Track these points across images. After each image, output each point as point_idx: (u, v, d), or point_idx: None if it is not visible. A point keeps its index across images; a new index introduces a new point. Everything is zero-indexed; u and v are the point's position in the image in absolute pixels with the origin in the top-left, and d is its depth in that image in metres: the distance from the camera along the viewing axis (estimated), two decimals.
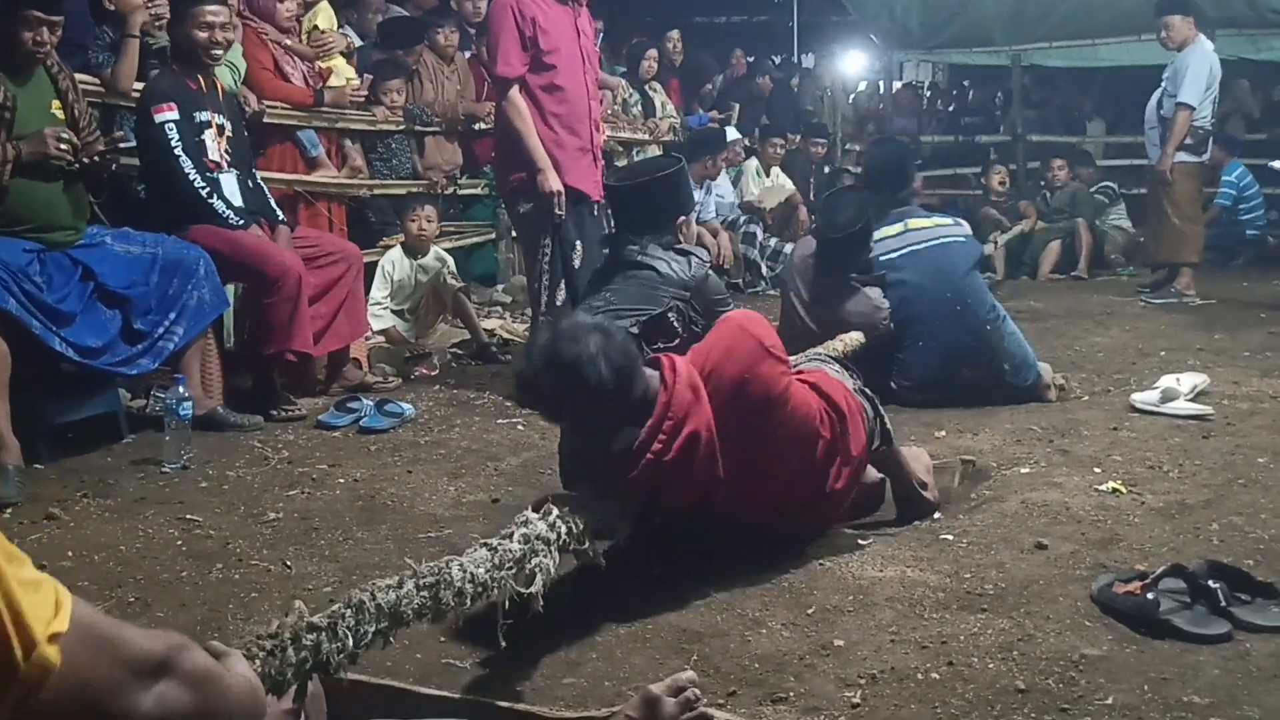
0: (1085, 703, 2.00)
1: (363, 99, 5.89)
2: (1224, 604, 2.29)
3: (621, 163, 7.68)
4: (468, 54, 6.98)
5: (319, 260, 4.52)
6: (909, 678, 2.11)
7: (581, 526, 2.26)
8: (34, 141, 3.61)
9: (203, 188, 4.19)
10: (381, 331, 5.29)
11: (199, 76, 4.33)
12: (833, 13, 13.99)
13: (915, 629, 2.32)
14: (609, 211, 4.17)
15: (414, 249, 5.54)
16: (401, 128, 6.16)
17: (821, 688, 2.08)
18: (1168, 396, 4.13)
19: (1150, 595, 2.31)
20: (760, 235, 8.04)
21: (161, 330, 3.91)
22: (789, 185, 9.01)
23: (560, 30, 4.52)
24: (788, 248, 7.16)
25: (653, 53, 8.50)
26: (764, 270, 8.02)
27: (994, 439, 3.85)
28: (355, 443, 4.00)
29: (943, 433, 3.97)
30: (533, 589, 2.04)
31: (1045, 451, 3.66)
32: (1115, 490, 3.21)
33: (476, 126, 6.63)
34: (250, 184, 4.50)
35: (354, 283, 4.67)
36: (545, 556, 2.10)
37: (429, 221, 5.55)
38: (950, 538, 2.87)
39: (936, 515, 3.05)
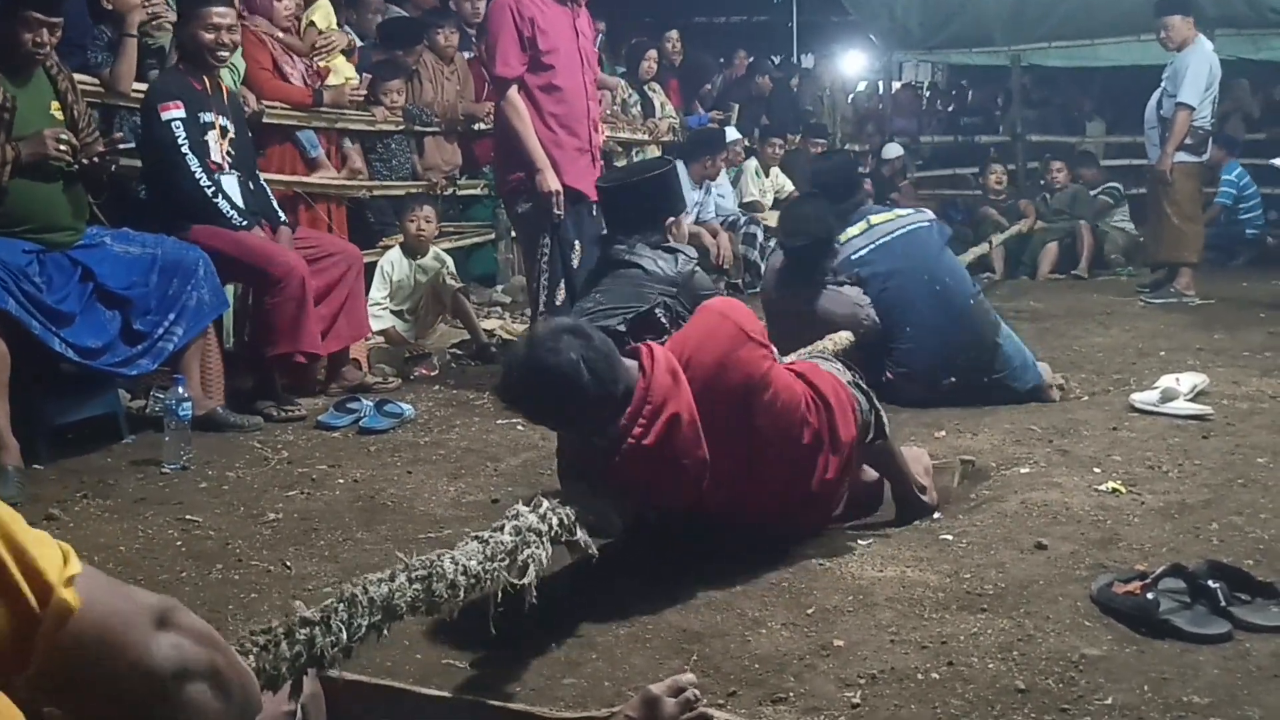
0: (1085, 703, 2.00)
1: (362, 98, 5.89)
2: (1224, 604, 2.29)
3: (621, 163, 7.69)
4: (468, 55, 6.98)
5: (320, 261, 4.53)
6: (909, 678, 2.11)
7: (573, 518, 2.26)
8: (33, 142, 3.61)
9: (208, 186, 4.20)
10: (381, 332, 5.29)
11: (204, 77, 4.34)
12: (832, 13, 13.98)
13: (915, 629, 2.32)
14: (612, 205, 4.17)
15: (413, 249, 5.54)
16: (401, 128, 6.16)
17: (821, 688, 2.08)
18: (1167, 396, 4.13)
19: (1150, 595, 2.31)
20: (760, 236, 8.05)
21: (161, 331, 3.91)
22: (789, 185, 9.02)
23: (559, 30, 4.52)
24: None
25: (652, 53, 8.50)
26: (764, 271, 8.02)
27: (994, 439, 3.85)
28: (355, 443, 4.00)
29: (942, 433, 3.97)
30: (525, 580, 2.04)
31: (1045, 451, 3.66)
32: (1115, 490, 3.21)
33: (476, 127, 6.63)
34: (251, 186, 4.51)
35: (355, 283, 4.68)
36: (537, 548, 2.10)
37: (428, 222, 5.55)
38: (950, 538, 2.87)
39: (936, 515, 3.05)
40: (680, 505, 2.62)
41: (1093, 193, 9.22)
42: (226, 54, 4.40)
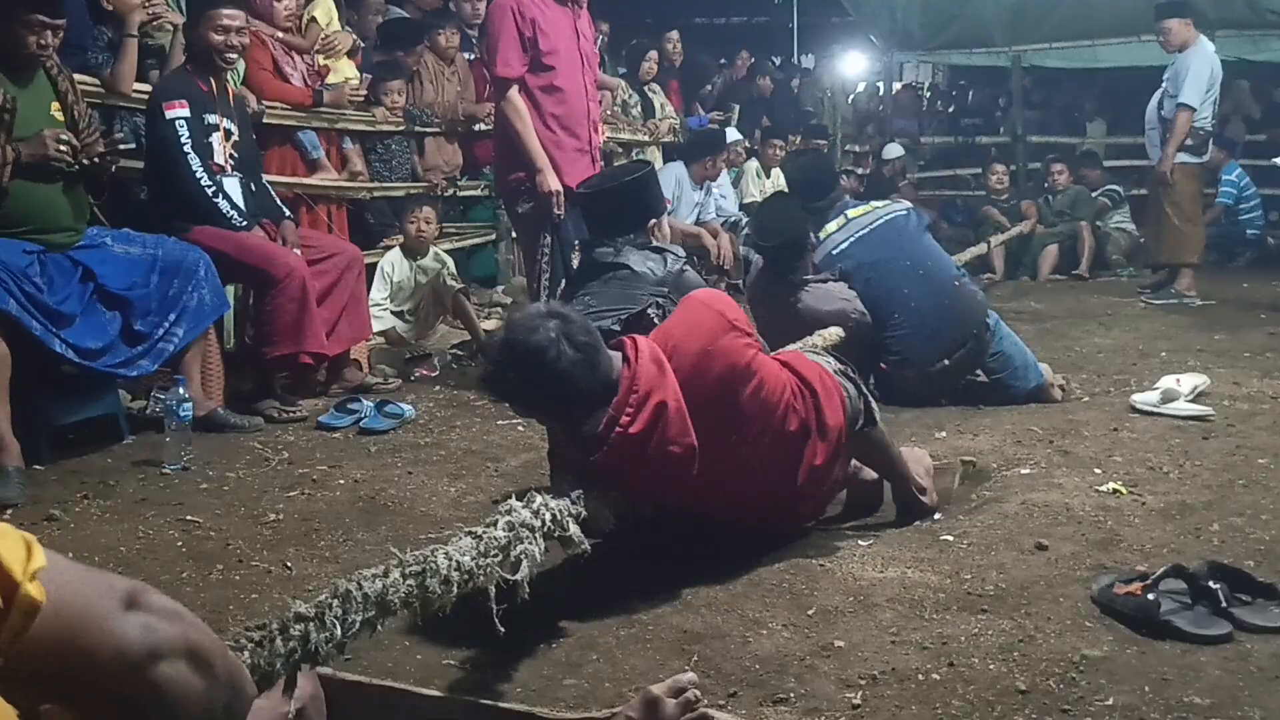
0: (1086, 704, 2.00)
1: (362, 98, 5.89)
2: (1225, 605, 2.29)
3: (621, 163, 7.68)
4: (469, 56, 6.98)
5: (321, 263, 4.53)
6: (910, 678, 2.11)
7: (565, 514, 2.26)
8: (34, 143, 3.61)
9: (209, 186, 4.20)
10: (381, 332, 5.29)
11: (210, 79, 4.34)
12: (833, 14, 13.99)
13: (916, 630, 2.32)
14: (593, 210, 4.15)
15: (413, 250, 5.54)
16: (401, 129, 6.16)
17: (822, 688, 2.08)
18: (1168, 397, 4.13)
19: (1151, 596, 2.31)
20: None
21: (162, 332, 3.91)
22: None
23: (559, 31, 4.53)
24: None
25: (653, 54, 8.50)
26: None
27: (994, 440, 3.85)
28: (355, 444, 4.00)
29: (943, 434, 3.97)
30: (519, 576, 2.04)
31: (1046, 452, 3.66)
32: (1116, 491, 3.21)
33: (476, 128, 6.63)
34: (254, 187, 4.51)
35: (356, 285, 4.68)
36: (530, 544, 2.10)
37: (428, 223, 5.55)
38: (951, 538, 2.87)
39: (937, 516, 3.05)
40: (671, 496, 2.61)
41: (1093, 194, 9.22)
42: (235, 56, 4.41)
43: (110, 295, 3.82)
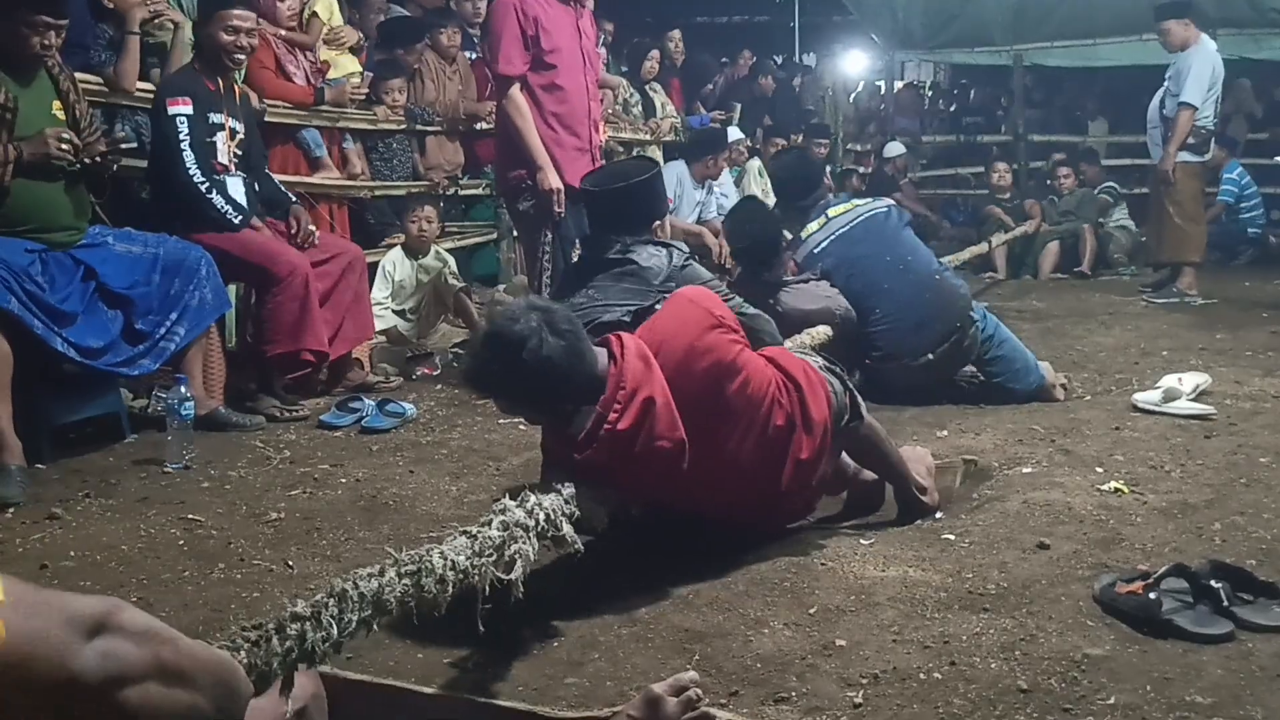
0: (1088, 703, 2.00)
1: (364, 96, 5.89)
2: (1226, 604, 2.29)
3: (624, 159, 7.67)
4: (471, 55, 6.98)
5: (323, 264, 4.52)
6: (911, 677, 2.11)
7: (559, 513, 2.27)
8: (35, 142, 3.61)
9: (201, 182, 4.19)
10: (383, 331, 5.29)
11: (218, 79, 4.35)
12: (834, 12, 14.00)
13: (917, 629, 2.32)
14: (596, 209, 4.12)
15: (415, 249, 5.55)
16: (402, 127, 6.16)
17: (824, 687, 2.08)
18: (1170, 396, 4.13)
19: (1153, 595, 2.30)
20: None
21: (163, 330, 3.91)
22: None
23: (562, 30, 4.53)
24: None
25: (655, 53, 8.50)
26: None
27: (996, 438, 3.85)
28: (357, 443, 4.01)
29: (945, 432, 3.97)
30: (513, 575, 2.04)
31: (1047, 451, 3.66)
32: (1117, 490, 3.21)
33: (478, 126, 6.63)
34: (258, 187, 4.52)
35: (359, 284, 4.68)
36: (524, 543, 2.11)
37: (429, 222, 5.55)
38: (952, 537, 2.87)
39: (938, 515, 3.04)
40: (662, 493, 2.61)
41: (1083, 188, 9.22)
42: (243, 57, 4.42)
43: (112, 294, 3.82)
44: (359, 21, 6.54)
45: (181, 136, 4.17)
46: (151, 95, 4.42)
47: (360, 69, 6.09)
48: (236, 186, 4.39)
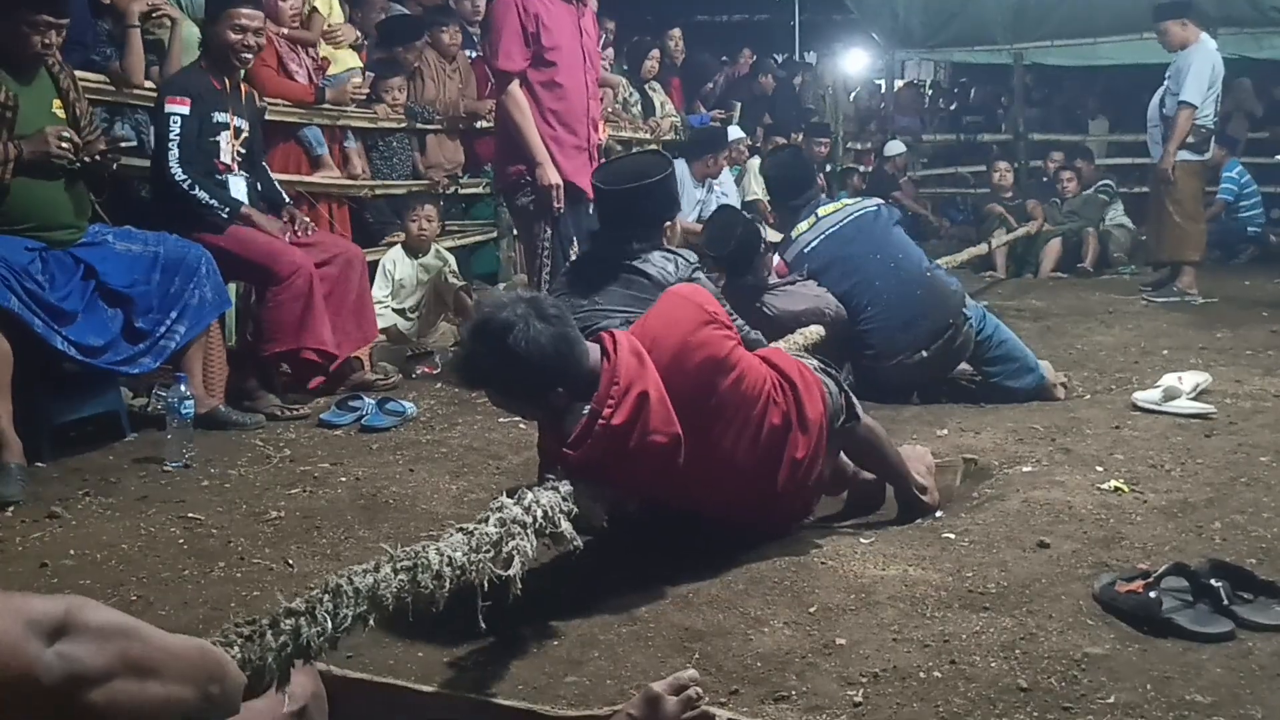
0: (1088, 701, 2.00)
1: (364, 95, 5.89)
2: (1226, 603, 2.29)
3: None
4: (471, 54, 6.98)
5: (324, 265, 4.50)
6: (911, 676, 2.11)
7: (557, 510, 2.27)
8: (35, 141, 3.61)
9: (183, 180, 4.17)
10: (383, 330, 5.29)
11: (225, 77, 4.34)
12: (834, 11, 13.99)
13: (917, 628, 2.32)
14: (596, 211, 4.04)
15: (415, 248, 5.55)
16: (403, 126, 6.16)
17: (824, 686, 2.08)
18: (1170, 395, 4.13)
19: (1153, 594, 2.31)
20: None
21: (163, 329, 3.91)
22: None
23: (562, 28, 4.53)
24: None
25: (655, 52, 8.50)
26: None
27: (996, 437, 3.85)
28: (357, 441, 4.01)
29: (945, 431, 3.97)
30: (511, 572, 2.04)
31: (1047, 450, 3.66)
32: (1117, 489, 3.21)
33: (478, 125, 6.63)
34: (259, 187, 4.52)
35: (360, 285, 4.66)
36: (521, 540, 2.11)
37: (429, 221, 5.56)
38: (952, 536, 2.87)
39: (938, 514, 3.05)
40: (657, 490, 2.61)
41: (1087, 190, 9.22)
42: (250, 56, 4.42)
43: (112, 292, 3.82)
44: (360, 20, 6.53)
45: (171, 135, 4.17)
46: (154, 94, 4.42)
47: (361, 65, 6.09)
48: (239, 186, 4.39)
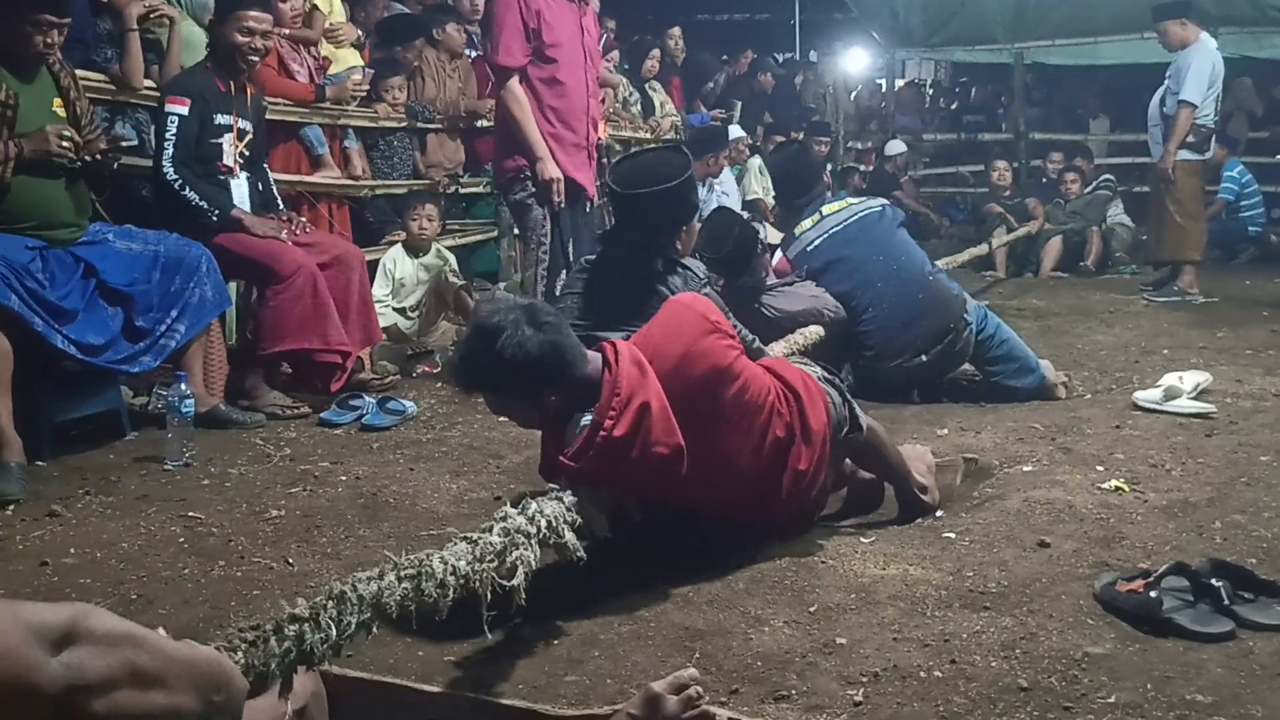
0: (1088, 701, 2.00)
1: (364, 93, 5.89)
2: (1227, 602, 2.29)
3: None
4: (471, 54, 6.98)
5: (324, 267, 4.48)
6: (911, 676, 2.11)
7: (561, 520, 2.27)
8: (36, 139, 3.61)
9: (174, 179, 4.17)
10: (383, 329, 5.29)
11: (230, 79, 4.34)
12: (835, 10, 14.00)
13: (918, 627, 2.32)
14: (611, 210, 3.95)
15: (415, 247, 5.54)
16: (403, 125, 6.16)
17: (824, 686, 2.08)
18: (1170, 394, 4.13)
19: (1153, 593, 2.30)
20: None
21: (163, 328, 3.91)
22: None
23: (564, 25, 4.53)
24: None
25: (655, 52, 8.50)
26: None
27: (996, 437, 3.84)
28: (357, 440, 4.01)
29: (945, 431, 3.97)
30: (514, 581, 2.04)
31: (1048, 449, 3.66)
32: (1118, 488, 3.21)
33: (479, 124, 6.63)
34: (260, 187, 4.51)
35: (361, 285, 4.65)
36: (525, 549, 2.11)
37: (430, 220, 5.55)
38: (953, 536, 2.87)
39: (939, 513, 3.04)
40: (659, 496, 2.60)
41: (1087, 189, 9.21)
42: (257, 59, 4.41)
43: (112, 291, 3.82)
44: (363, 19, 6.54)
45: (168, 135, 4.17)
46: (157, 93, 4.41)
47: (362, 64, 6.09)
48: (241, 188, 4.38)
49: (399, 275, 5.49)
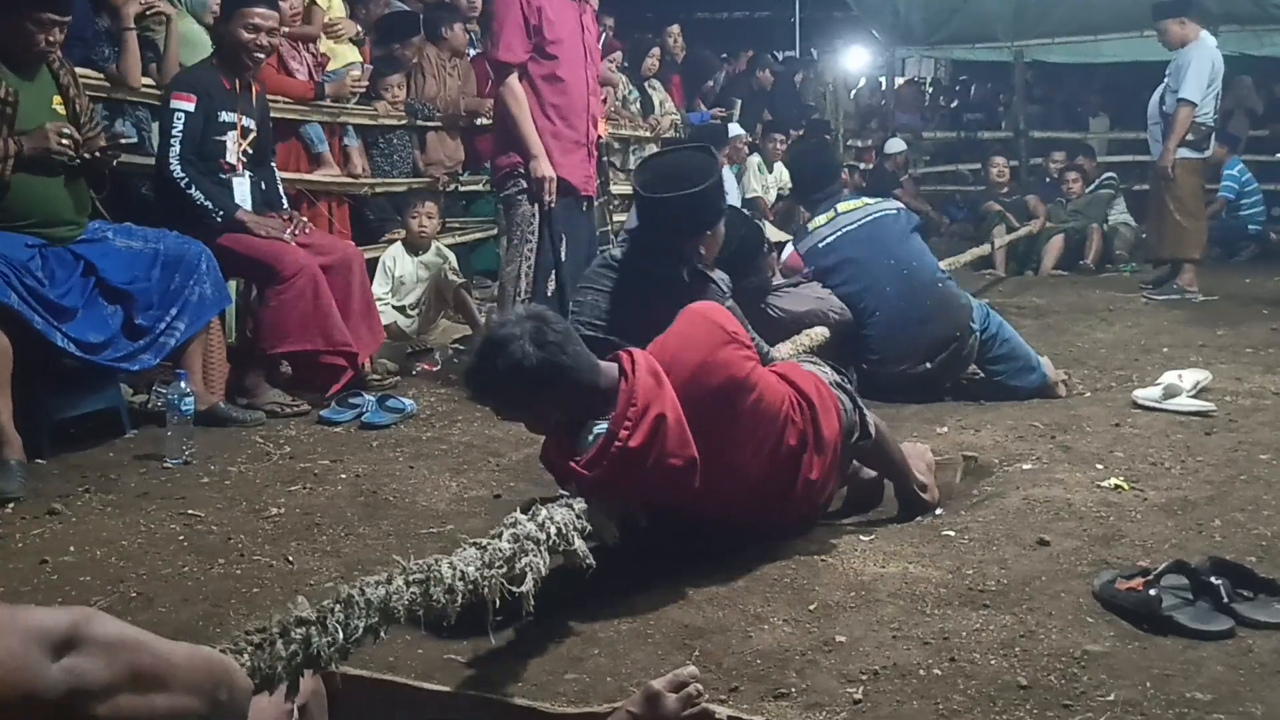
0: (1087, 699, 2.00)
1: (364, 89, 5.89)
2: (1226, 600, 2.28)
3: (619, 160, 7.66)
4: (471, 52, 6.98)
5: (330, 270, 4.47)
6: (911, 674, 2.11)
7: (570, 527, 2.26)
8: (35, 137, 3.60)
9: (181, 177, 4.17)
10: (383, 327, 5.29)
11: (235, 77, 4.34)
12: (835, 8, 13.99)
13: (917, 625, 2.32)
14: (646, 212, 3.71)
15: (415, 245, 5.54)
16: (403, 122, 6.16)
17: (823, 683, 2.08)
18: (1170, 393, 4.13)
19: (1153, 591, 2.30)
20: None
21: (163, 326, 3.90)
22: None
23: (565, 22, 4.52)
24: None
25: (656, 50, 8.49)
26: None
27: (996, 435, 3.84)
28: (357, 438, 4.01)
29: (945, 429, 3.97)
30: (523, 588, 2.04)
31: (1047, 448, 3.66)
32: (1118, 486, 3.21)
33: (478, 122, 6.63)
34: (263, 186, 4.51)
35: (362, 287, 4.62)
36: (535, 556, 2.11)
37: (430, 218, 5.55)
38: (952, 534, 2.87)
39: (938, 511, 3.04)
40: (669, 504, 2.60)
41: (1089, 188, 9.21)
42: (263, 56, 4.41)
43: (112, 289, 3.82)
44: (364, 17, 6.53)
45: (174, 132, 4.17)
46: (155, 91, 4.41)
47: (360, 60, 6.09)
48: (243, 186, 4.38)
49: (399, 273, 5.49)
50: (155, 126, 4.66)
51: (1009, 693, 2.02)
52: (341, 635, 1.64)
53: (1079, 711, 1.96)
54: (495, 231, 6.92)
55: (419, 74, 6.38)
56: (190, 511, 3.16)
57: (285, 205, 4.67)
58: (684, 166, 3.42)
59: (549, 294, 4.42)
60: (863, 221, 4.55)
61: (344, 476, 3.53)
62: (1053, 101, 12.71)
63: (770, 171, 8.98)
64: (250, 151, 4.41)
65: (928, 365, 4.40)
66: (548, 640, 2.28)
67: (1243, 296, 7.15)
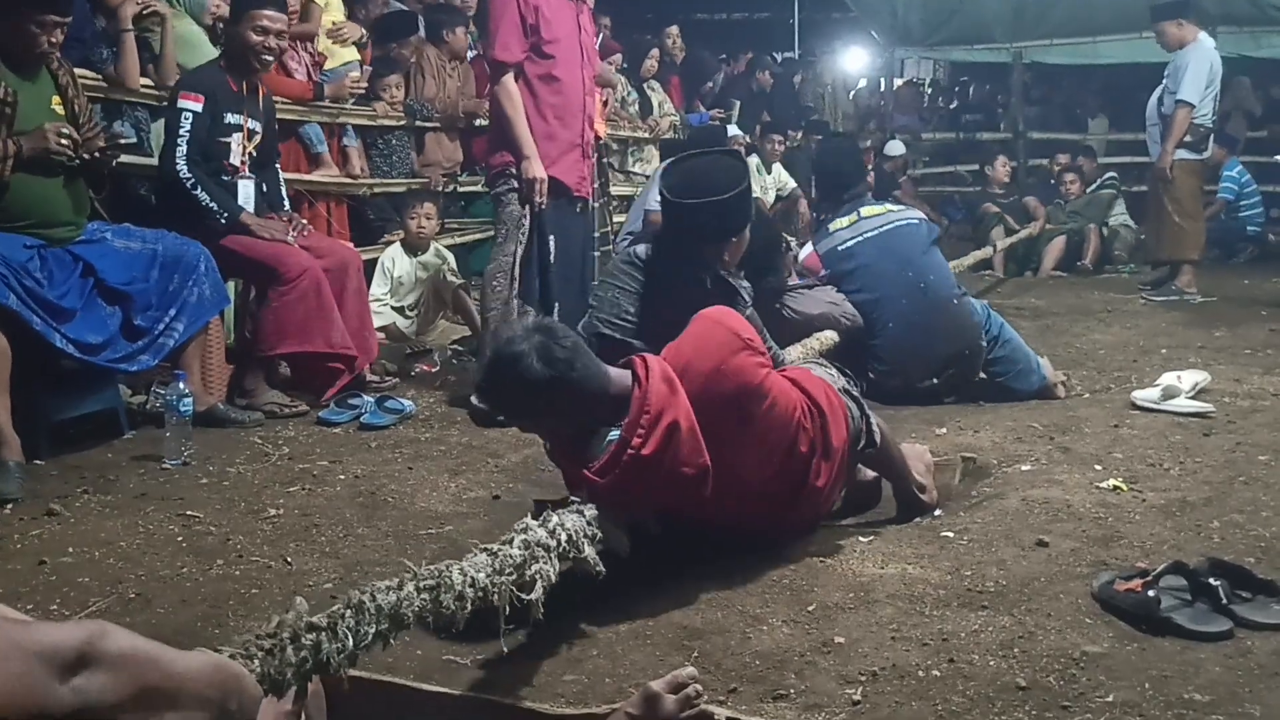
0: (1086, 700, 2.00)
1: (363, 90, 5.89)
2: (1225, 601, 2.28)
3: (618, 161, 7.65)
4: (471, 53, 6.99)
5: (330, 273, 4.46)
6: (910, 675, 2.11)
7: (581, 535, 2.26)
8: (35, 137, 3.60)
9: (187, 178, 4.17)
10: (382, 328, 5.29)
11: (242, 79, 4.34)
12: (834, 9, 14.01)
13: (916, 626, 2.32)
14: (671, 217, 3.66)
15: (414, 246, 5.55)
16: (401, 123, 6.16)
17: (822, 685, 2.08)
18: (1169, 394, 4.13)
19: (1151, 593, 2.30)
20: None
21: (162, 327, 3.90)
22: (791, 182, 9.02)
23: (562, 22, 4.51)
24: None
25: (655, 52, 8.49)
26: None
27: (995, 436, 3.84)
28: (356, 439, 4.00)
29: (944, 430, 3.97)
30: (533, 595, 2.04)
31: (1046, 449, 3.66)
32: (1116, 488, 3.21)
33: (477, 123, 6.63)
34: (265, 188, 4.51)
35: (358, 293, 4.61)
36: (545, 563, 2.10)
37: (428, 219, 5.56)
38: (951, 535, 2.87)
39: (937, 513, 3.04)
40: (680, 513, 2.60)
41: (1090, 188, 9.21)
42: (271, 59, 4.41)
43: (110, 290, 3.82)
44: (364, 17, 6.54)
45: (181, 132, 4.16)
46: (155, 91, 4.40)
47: (359, 59, 6.09)
48: (246, 188, 4.38)
49: (397, 274, 5.49)
50: (154, 127, 4.66)
51: (1008, 694, 2.02)
52: (351, 641, 1.64)
53: (1077, 712, 1.96)
54: (493, 233, 6.92)
55: (418, 74, 6.38)
56: (189, 512, 3.16)
57: (287, 207, 4.67)
58: (712, 171, 3.36)
59: (538, 295, 4.41)
60: (884, 229, 4.50)
61: (343, 477, 3.53)
62: (1051, 103, 12.73)
63: (769, 173, 8.98)
64: (254, 154, 4.41)
65: (934, 381, 4.39)
66: (547, 641, 2.28)
67: (1241, 298, 7.15)
